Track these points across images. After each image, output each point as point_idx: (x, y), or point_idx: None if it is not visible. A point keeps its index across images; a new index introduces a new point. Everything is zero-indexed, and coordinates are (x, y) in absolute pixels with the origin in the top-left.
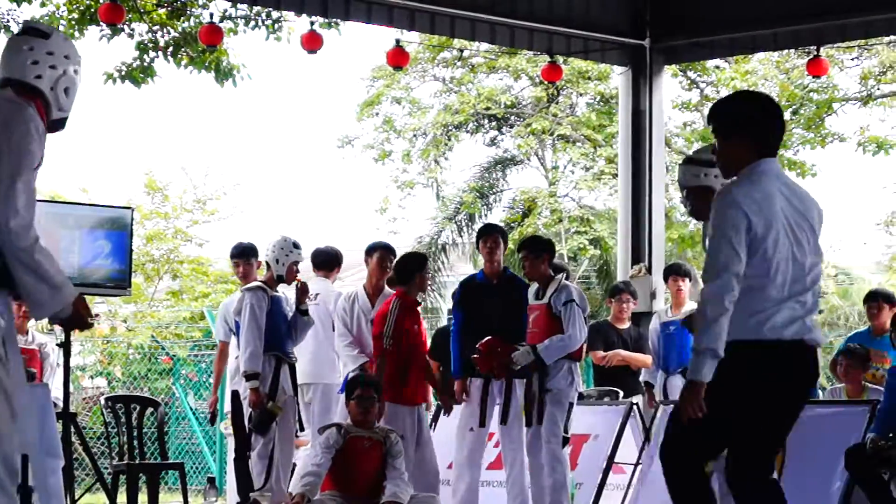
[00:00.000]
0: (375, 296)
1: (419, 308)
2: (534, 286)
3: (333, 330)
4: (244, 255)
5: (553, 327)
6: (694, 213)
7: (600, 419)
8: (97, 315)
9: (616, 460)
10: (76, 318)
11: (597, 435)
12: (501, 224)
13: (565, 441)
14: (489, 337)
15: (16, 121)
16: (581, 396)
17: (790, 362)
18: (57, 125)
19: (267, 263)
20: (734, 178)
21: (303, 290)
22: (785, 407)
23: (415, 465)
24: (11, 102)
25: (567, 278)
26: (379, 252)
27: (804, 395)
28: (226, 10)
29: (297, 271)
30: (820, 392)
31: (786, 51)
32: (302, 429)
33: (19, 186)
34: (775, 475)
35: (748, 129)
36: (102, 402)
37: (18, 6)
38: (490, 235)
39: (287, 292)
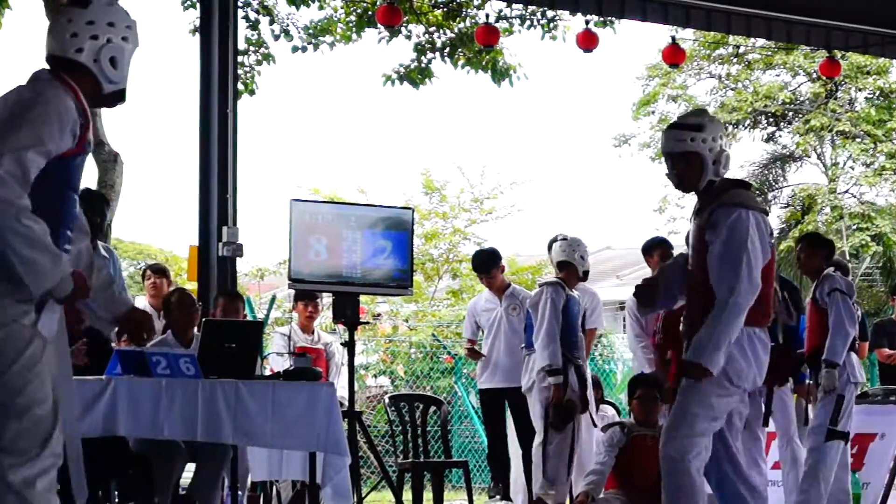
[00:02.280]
0: None
1: None
2: None
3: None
4: (484, 268)
5: (821, 321)
6: (679, 183)
7: (887, 418)
8: (379, 315)
9: None
10: (77, 293)
11: (883, 434)
12: (780, 221)
13: (833, 434)
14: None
15: (32, 96)
16: (866, 395)
17: None
18: (114, 98)
19: (561, 263)
20: None
21: None
22: None
23: None
24: (37, 82)
25: (846, 275)
26: (659, 250)
27: None
28: (501, 10)
29: None
30: None
31: None
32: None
33: (7, 159)
34: None
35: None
36: (386, 400)
37: (297, 9)
38: None
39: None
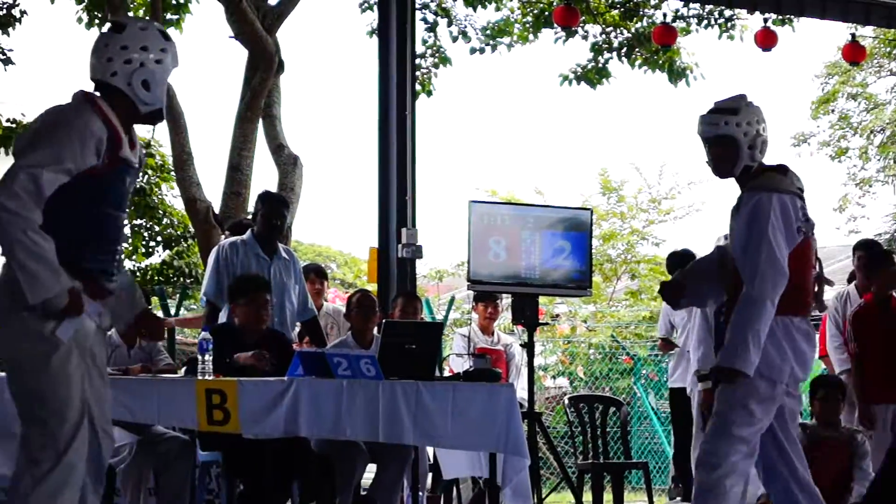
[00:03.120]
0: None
1: None
2: None
3: None
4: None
5: None
6: (715, 169)
7: None
8: (558, 316)
9: None
10: (70, 308)
11: None
12: None
13: None
14: None
15: (59, 117)
16: None
17: None
18: (151, 118)
19: None
20: None
21: None
22: None
23: None
24: (69, 104)
25: None
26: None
27: None
28: (678, 10)
29: None
30: None
31: None
32: None
33: (23, 175)
34: None
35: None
36: (566, 401)
37: (475, 11)
38: None
39: None
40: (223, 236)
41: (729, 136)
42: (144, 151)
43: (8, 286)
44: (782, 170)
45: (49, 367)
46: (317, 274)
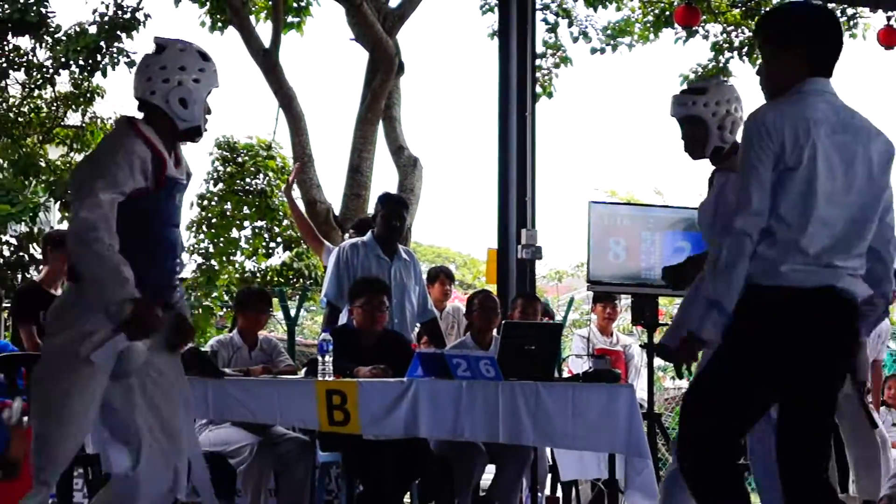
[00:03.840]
0: None
1: None
2: None
3: None
4: None
5: None
6: (685, 149)
7: None
8: None
9: None
10: (137, 323)
11: None
12: None
13: None
14: None
15: (105, 143)
16: None
17: (814, 310)
18: (190, 134)
19: None
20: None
21: None
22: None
23: None
24: (114, 130)
25: None
26: None
27: (826, 356)
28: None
29: None
30: None
31: None
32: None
33: (86, 201)
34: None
35: (800, 42)
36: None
37: (595, 11)
38: None
39: None
40: (347, 235)
41: (697, 117)
42: (262, 153)
43: (75, 295)
44: None
45: (69, 380)
46: (446, 275)
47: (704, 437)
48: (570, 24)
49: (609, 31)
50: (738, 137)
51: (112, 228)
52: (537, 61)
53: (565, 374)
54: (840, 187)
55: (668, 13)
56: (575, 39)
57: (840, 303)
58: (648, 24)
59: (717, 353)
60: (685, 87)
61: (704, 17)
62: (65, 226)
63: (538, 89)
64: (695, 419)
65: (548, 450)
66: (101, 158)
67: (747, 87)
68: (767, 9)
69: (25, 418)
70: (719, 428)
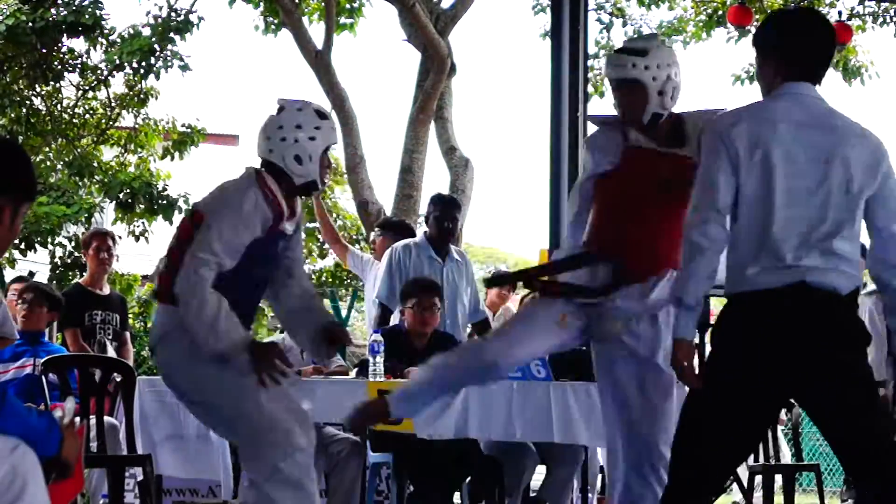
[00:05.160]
0: None
1: None
2: None
3: None
4: None
5: None
6: (621, 115)
7: None
8: None
9: None
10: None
11: None
12: None
13: None
14: None
15: (233, 197)
16: None
17: (786, 309)
18: (307, 188)
19: None
20: None
21: None
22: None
23: None
24: (240, 180)
25: None
26: None
27: (813, 351)
28: (853, 8)
29: None
30: None
31: None
32: None
33: (208, 260)
34: None
35: (778, 49)
36: None
37: (648, 10)
38: None
39: None
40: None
41: (636, 80)
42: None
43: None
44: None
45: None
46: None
47: (697, 469)
48: (624, 24)
49: (662, 30)
50: (676, 106)
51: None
52: (590, 61)
53: None
54: (806, 185)
55: (720, 13)
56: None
57: (815, 297)
58: (701, 24)
59: (706, 376)
60: (622, 46)
61: (757, 16)
62: (118, 228)
63: (590, 89)
64: (688, 449)
65: (599, 451)
66: (227, 216)
67: None
68: (817, 8)
69: (77, 419)
70: (713, 460)
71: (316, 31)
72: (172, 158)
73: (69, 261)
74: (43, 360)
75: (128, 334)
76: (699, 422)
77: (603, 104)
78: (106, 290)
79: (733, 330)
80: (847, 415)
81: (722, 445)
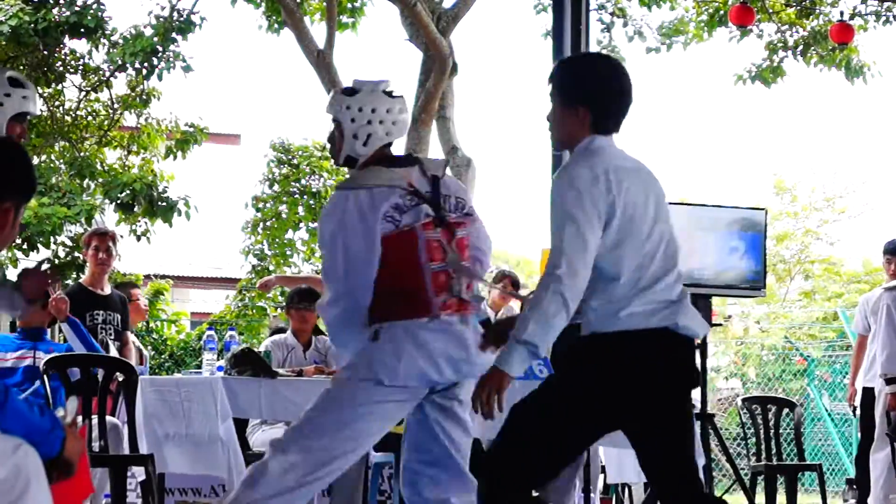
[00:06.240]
0: None
1: None
2: None
3: None
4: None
5: None
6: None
7: None
8: (730, 317)
9: None
10: None
11: None
12: None
13: None
14: None
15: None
16: None
17: (656, 353)
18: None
19: None
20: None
21: None
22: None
23: None
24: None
25: None
26: None
27: (668, 394)
28: (855, 7)
29: None
30: None
31: None
32: None
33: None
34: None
35: (584, 104)
36: (739, 402)
37: (649, 10)
38: None
39: None
40: None
41: (335, 119)
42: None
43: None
44: (388, 160)
45: None
46: (512, 282)
47: (522, 467)
48: (625, 24)
49: (664, 31)
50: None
51: None
52: None
53: None
54: (648, 226)
55: (722, 12)
56: (630, 39)
57: (678, 342)
58: (702, 24)
59: (551, 392)
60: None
61: (759, 16)
62: (121, 228)
63: None
64: (517, 449)
65: (601, 451)
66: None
67: (802, 87)
68: (819, 8)
69: (80, 417)
70: (543, 462)
71: (318, 30)
72: (175, 158)
73: (68, 261)
74: (45, 360)
75: (129, 334)
76: (542, 430)
77: None
78: (107, 290)
79: (602, 364)
80: (672, 452)
81: (558, 454)
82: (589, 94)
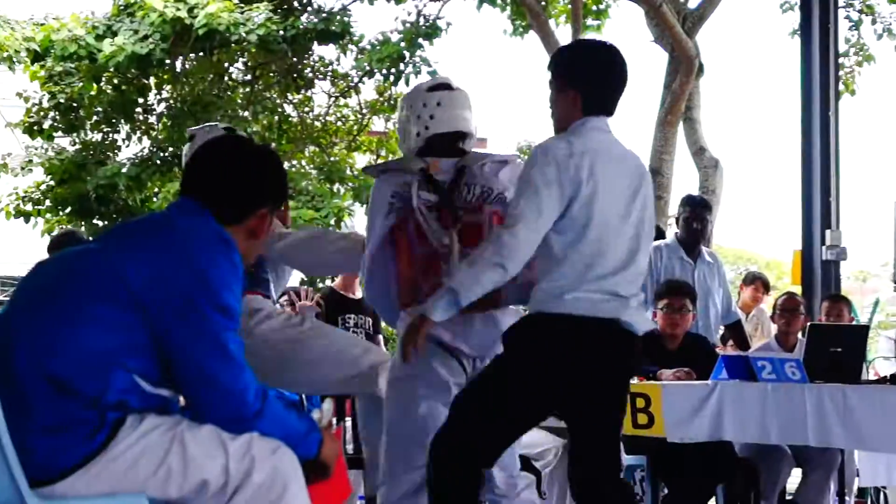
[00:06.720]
0: None
1: None
2: None
3: None
4: None
5: None
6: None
7: None
8: None
9: None
10: None
11: None
12: None
13: None
14: None
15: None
16: None
17: (599, 341)
18: None
19: None
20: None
21: None
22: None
23: None
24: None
25: None
26: None
27: (608, 382)
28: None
29: None
30: None
31: None
32: None
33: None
34: None
35: (575, 87)
36: None
37: None
38: None
39: None
40: None
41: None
42: None
43: None
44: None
45: None
46: (762, 283)
47: (467, 444)
48: (874, 22)
49: None
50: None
51: None
52: (840, 59)
53: (872, 377)
54: (618, 216)
55: None
56: (879, 37)
57: (622, 336)
58: None
59: (495, 370)
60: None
61: None
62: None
63: (841, 87)
64: (461, 426)
65: (856, 454)
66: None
67: None
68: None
69: (335, 420)
70: (486, 439)
71: (562, 33)
72: None
73: None
74: None
75: (380, 337)
76: (488, 407)
77: (853, 102)
78: (358, 293)
79: (544, 346)
80: (599, 440)
81: (503, 432)
82: (579, 78)
